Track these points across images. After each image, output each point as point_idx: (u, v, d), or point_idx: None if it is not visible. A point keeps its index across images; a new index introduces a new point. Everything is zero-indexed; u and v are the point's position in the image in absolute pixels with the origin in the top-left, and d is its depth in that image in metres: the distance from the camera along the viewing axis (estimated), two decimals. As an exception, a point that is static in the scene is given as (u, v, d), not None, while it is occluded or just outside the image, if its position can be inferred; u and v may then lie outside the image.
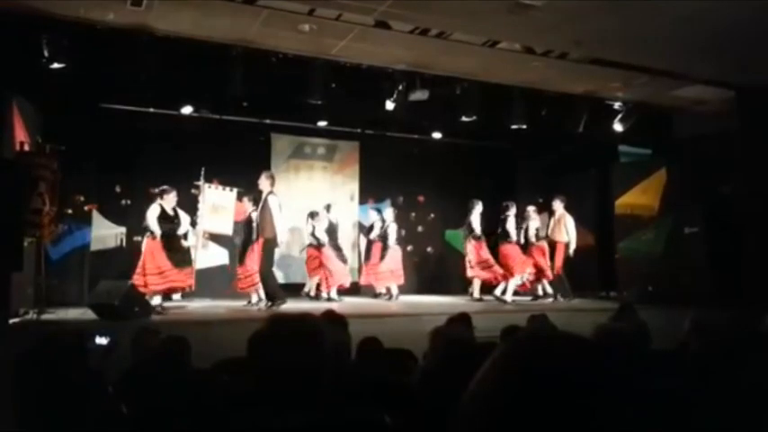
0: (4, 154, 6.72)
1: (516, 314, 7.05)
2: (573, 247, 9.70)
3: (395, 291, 9.80)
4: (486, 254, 9.70)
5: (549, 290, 9.85)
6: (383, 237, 9.95)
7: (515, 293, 9.65)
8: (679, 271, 9.10)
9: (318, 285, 9.68)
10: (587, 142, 10.22)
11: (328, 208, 9.68)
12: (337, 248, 9.65)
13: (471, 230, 9.70)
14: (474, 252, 9.67)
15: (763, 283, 7.58)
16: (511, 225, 9.66)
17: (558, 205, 9.85)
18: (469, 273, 9.74)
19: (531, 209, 9.94)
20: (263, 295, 8.20)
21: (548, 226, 9.98)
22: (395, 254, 9.91)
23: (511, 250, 9.58)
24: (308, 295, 9.68)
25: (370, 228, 10.29)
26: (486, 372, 0.76)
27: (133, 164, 8.94)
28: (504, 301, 9.34)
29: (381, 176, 11.02)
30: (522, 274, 9.59)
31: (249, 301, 8.39)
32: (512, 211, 9.70)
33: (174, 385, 2.81)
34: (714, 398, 1.83)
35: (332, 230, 9.54)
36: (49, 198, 6.99)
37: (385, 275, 9.84)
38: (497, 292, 9.52)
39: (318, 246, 9.48)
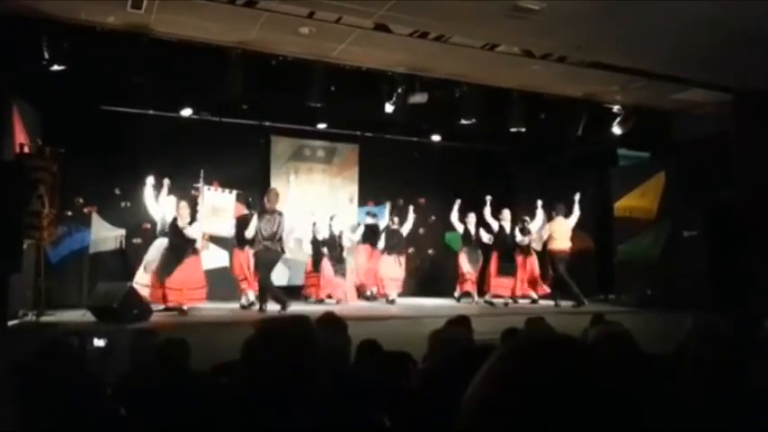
0: (4, 156, 6.72)
1: (515, 317, 7.04)
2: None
3: (393, 295, 9.77)
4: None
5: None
6: (396, 238, 9.89)
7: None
8: (677, 274, 9.09)
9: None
10: (586, 145, 10.22)
11: (331, 219, 9.62)
12: (339, 262, 9.42)
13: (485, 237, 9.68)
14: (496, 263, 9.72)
15: (762, 287, 7.58)
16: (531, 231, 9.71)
17: (539, 212, 9.81)
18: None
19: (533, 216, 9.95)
20: (251, 297, 8.47)
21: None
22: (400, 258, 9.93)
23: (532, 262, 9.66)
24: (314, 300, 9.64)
25: (374, 229, 10.16)
26: (486, 374, 0.77)
27: (133, 166, 8.93)
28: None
29: (381, 179, 11.01)
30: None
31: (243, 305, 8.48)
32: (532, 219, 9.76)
33: (173, 387, 2.81)
34: (712, 402, 1.83)
35: (332, 243, 9.48)
36: (49, 200, 6.98)
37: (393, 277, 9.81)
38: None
39: (317, 258, 9.43)
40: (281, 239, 8.26)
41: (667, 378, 2.12)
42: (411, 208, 10.10)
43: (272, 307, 7.88)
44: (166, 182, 8.02)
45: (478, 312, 8.09)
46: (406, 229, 9.97)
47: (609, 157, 10.88)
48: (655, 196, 9.99)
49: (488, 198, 9.78)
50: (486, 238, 9.76)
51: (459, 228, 9.95)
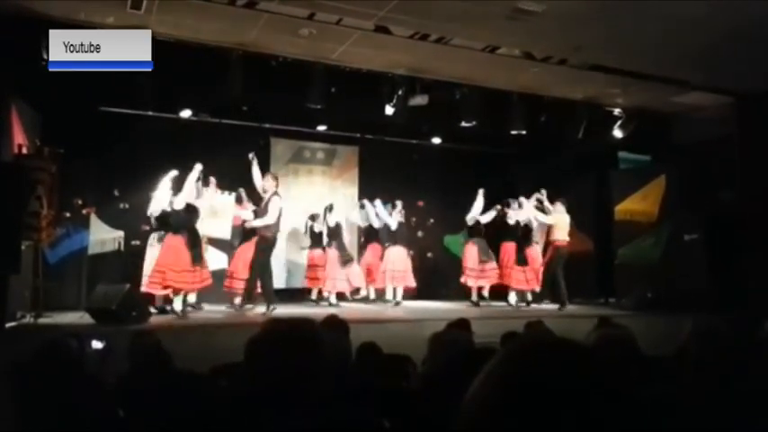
0: (2, 157, 6.70)
1: (515, 320, 7.03)
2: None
3: (400, 291, 9.75)
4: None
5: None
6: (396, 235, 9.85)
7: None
8: (678, 277, 9.08)
9: (320, 290, 9.51)
10: (587, 148, 10.22)
11: (330, 208, 9.58)
12: (340, 249, 9.39)
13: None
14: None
15: (762, 288, 7.58)
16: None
17: (526, 205, 9.71)
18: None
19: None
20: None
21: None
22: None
23: (534, 253, 9.65)
24: (314, 300, 9.59)
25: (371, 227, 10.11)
26: (486, 377, 0.76)
27: (132, 167, 8.92)
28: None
29: (380, 181, 11.00)
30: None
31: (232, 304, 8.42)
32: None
33: (172, 388, 2.80)
34: (713, 403, 1.83)
35: (334, 231, 9.45)
36: (47, 201, 6.96)
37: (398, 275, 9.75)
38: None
39: (319, 248, 9.43)
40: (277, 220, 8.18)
41: (668, 380, 2.12)
42: (399, 203, 9.98)
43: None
44: (213, 180, 8.07)
45: (478, 315, 8.07)
46: (394, 222, 9.80)
47: (609, 160, 10.87)
48: (655, 199, 9.97)
49: (543, 191, 9.74)
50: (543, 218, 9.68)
51: (484, 218, 9.79)
